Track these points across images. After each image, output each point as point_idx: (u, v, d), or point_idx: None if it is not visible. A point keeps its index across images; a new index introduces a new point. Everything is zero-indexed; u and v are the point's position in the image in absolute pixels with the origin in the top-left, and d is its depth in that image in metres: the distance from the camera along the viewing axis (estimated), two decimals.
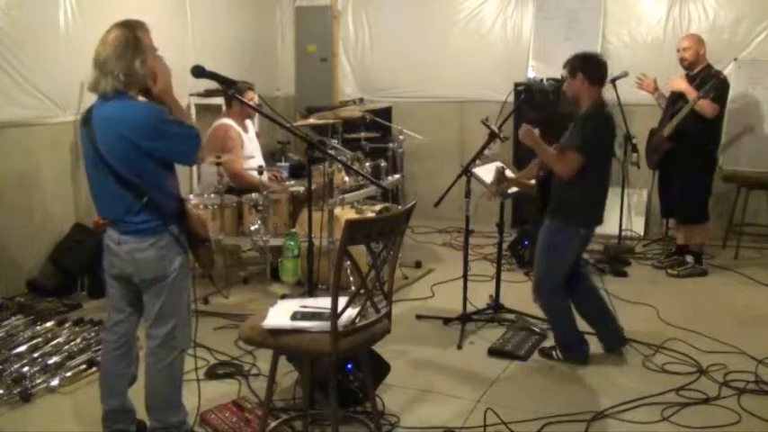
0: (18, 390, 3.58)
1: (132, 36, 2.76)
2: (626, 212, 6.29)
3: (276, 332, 2.87)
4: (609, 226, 6.04)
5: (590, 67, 3.94)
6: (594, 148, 3.87)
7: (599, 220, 4.02)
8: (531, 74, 6.99)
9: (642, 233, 6.73)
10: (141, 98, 2.86)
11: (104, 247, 2.96)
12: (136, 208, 2.81)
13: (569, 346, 4.05)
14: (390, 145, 5.94)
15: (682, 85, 5.51)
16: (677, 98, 5.57)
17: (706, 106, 5.31)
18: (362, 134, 5.90)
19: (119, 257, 2.89)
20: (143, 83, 2.83)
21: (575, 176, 3.84)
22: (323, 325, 2.82)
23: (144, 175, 2.79)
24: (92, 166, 2.86)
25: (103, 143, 2.78)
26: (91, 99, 2.89)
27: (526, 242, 5.82)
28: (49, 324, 4.43)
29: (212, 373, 3.85)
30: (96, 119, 2.80)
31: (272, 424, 3.26)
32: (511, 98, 5.75)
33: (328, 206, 4.81)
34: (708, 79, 5.38)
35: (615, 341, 4.12)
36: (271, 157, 6.61)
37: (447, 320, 4.61)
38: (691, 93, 5.38)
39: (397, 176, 5.86)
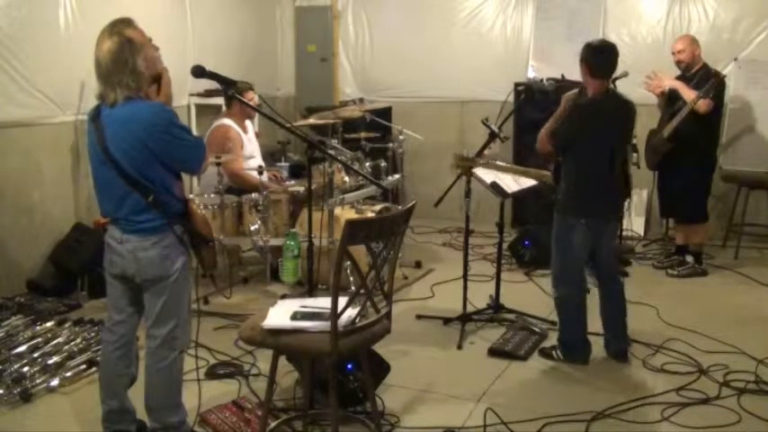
0: (18, 390, 3.58)
1: (125, 39, 2.74)
2: (626, 212, 6.30)
3: (276, 332, 2.87)
4: None
5: (592, 58, 3.90)
6: (568, 137, 3.87)
7: (601, 209, 3.95)
8: (531, 74, 6.99)
9: (642, 233, 6.73)
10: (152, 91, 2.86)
11: (105, 245, 2.95)
12: (140, 206, 2.81)
13: (572, 346, 4.05)
14: (390, 145, 5.94)
15: (675, 83, 5.51)
16: (676, 99, 5.58)
17: (700, 103, 5.32)
18: (362, 134, 5.90)
19: (121, 256, 2.88)
20: (151, 75, 2.83)
21: (565, 167, 3.89)
22: (323, 325, 2.82)
23: (151, 176, 2.79)
24: (98, 163, 2.85)
25: (112, 141, 2.77)
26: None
27: (526, 242, 5.82)
28: (49, 324, 4.42)
29: (212, 373, 3.85)
30: (106, 117, 2.80)
31: (272, 424, 3.26)
32: (511, 98, 5.76)
33: (328, 206, 4.81)
34: (706, 78, 5.38)
35: (619, 353, 4.10)
36: (271, 157, 6.61)
37: (447, 320, 4.61)
38: (689, 94, 5.38)
39: (397, 176, 5.86)
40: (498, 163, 4.63)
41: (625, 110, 4.01)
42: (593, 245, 3.96)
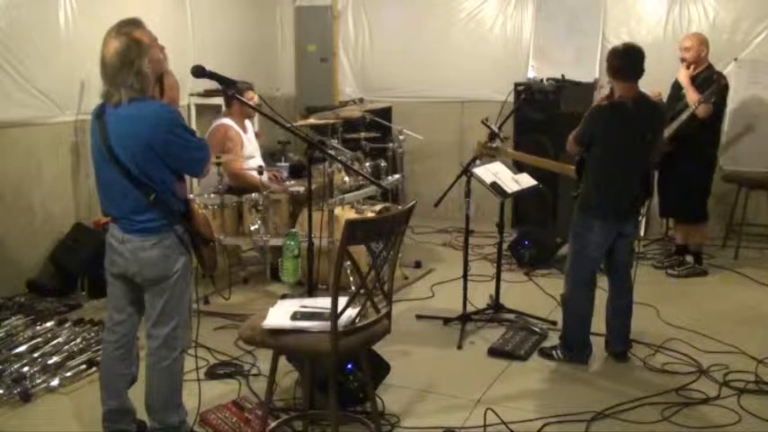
0: (18, 390, 3.58)
1: (132, 41, 2.74)
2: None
3: (276, 332, 2.87)
4: None
5: (615, 60, 3.89)
6: (586, 137, 3.89)
7: (621, 209, 3.92)
8: (531, 74, 6.98)
9: (642, 233, 6.72)
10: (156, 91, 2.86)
11: (107, 245, 2.95)
12: (142, 206, 2.81)
13: (573, 347, 4.05)
14: (390, 145, 5.94)
15: (684, 79, 5.50)
16: (678, 100, 5.57)
17: (700, 108, 5.31)
18: (362, 134, 5.90)
19: (122, 256, 2.88)
20: (156, 76, 2.83)
21: (587, 165, 3.92)
22: (323, 325, 2.82)
23: (153, 176, 2.79)
24: (100, 161, 2.85)
25: (116, 140, 2.77)
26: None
27: (526, 242, 5.82)
28: (49, 324, 4.43)
29: (212, 373, 3.85)
30: (110, 115, 2.79)
31: (272, 424, 3.26)
32: (511, 98, 5.76)
33: (328, 206, 4.81)
34: (708, 81, 5.36)
35: (619, 353, 4.10)
36: (271, 157, 6.61)
37: (447, 320, 4.61)
38: (692, 95, 5.37)
39: (397, 176, 5.86)
40: (522, 153, 4.68)
41: (650, 113, 3.96)
42: (610, 244, 3.96)
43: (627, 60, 3.88)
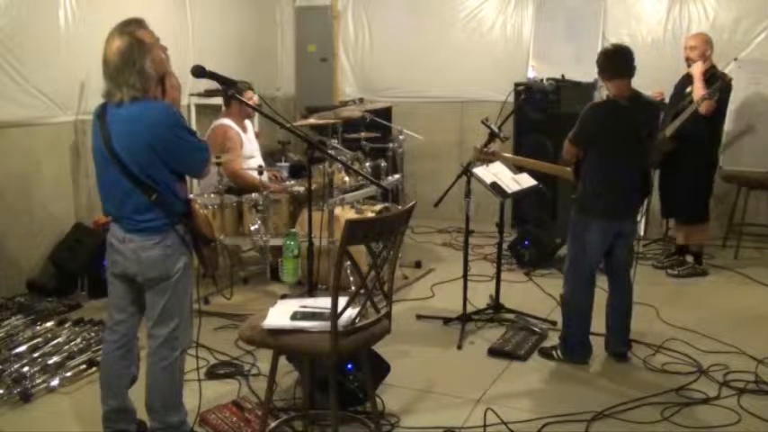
0: (18, 390, 3.58)
1: (135, 40, 2.74)
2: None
3: (276, 332, 2.87)
4: None
5: (603, 61, 3.93)
6: (584, 137, 3.89)
7: (619, 209, 3.93)
8: (531, 74, 6.99)
9: (642, 233, 6.72)
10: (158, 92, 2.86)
11: (108, 245, 2.96)
12: (143, 206, 2.81)
13: (572, 347, 4.04)
14: (390, 145, 5.94)
15: (697, 73, 5.45)
16: (680, 98, 5.57)
17: (704, 104, 5.31)
18: (362, 134, 5.90)
19: (123, 256, 2.88)
20: (158, 76, 2.83)
21: (584, 166, 3.92)
22: (323, 325, 2.82)
23: (154, 176, 2.79)
24: (102, 161, 2.85)
25: (117, 140, 2.77)
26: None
27: (526, 242, 5.83)
28: (49, 324, 4.43)
29: (212, 373, 3.85)
30: (111, 115, 2.79)
31: (272, 424, 3.26)
32: (511, 98, 5.76)
33: (328, 206, 4.81)
34: (713, 81, 5.36)
35: (619, 353, 4.10)
36: (271, 157, 6.61)
37: (447, 320, 4.61)
38: (700, 89, 5.36)
39: (397, 176, 5.86)
40: (518, 157, 4.69)
41: (646, 111, 3.97)
42: (609, 243, 3.96)
43: (612, 59, 3.91)
